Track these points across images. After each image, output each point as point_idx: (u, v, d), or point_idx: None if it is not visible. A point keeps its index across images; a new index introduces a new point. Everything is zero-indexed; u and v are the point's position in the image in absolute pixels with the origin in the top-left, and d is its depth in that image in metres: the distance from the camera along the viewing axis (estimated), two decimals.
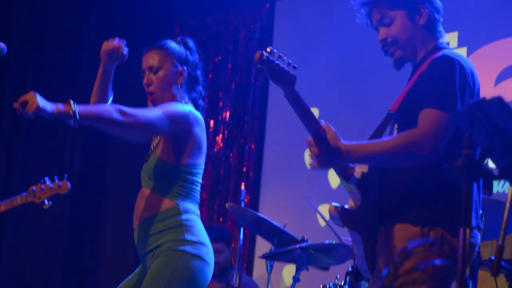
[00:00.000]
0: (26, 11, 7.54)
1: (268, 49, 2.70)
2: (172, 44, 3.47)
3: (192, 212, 3.33)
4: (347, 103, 6.29)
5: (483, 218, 3.45)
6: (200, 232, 3.31)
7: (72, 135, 7.32)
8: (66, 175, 4.26)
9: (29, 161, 7.42)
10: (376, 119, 3.12)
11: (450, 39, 5.63)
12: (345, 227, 2.98)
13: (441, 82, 2.78)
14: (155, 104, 3.41)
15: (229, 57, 7.17)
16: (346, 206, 2.97)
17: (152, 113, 3.22)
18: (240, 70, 7.09)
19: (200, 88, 3.50)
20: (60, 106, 2.97)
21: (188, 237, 3.24)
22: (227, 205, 4.98)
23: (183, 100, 3.43)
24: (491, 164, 2.38)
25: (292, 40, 6.77)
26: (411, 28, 2.96)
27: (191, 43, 3.54)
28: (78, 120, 2.98)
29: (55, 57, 7.51)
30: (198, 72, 3.50)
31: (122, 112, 3.08)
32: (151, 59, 3.42)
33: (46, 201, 4.19)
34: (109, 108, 3.12)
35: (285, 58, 2.74)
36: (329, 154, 2.75)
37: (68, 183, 4.28)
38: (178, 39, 3.53)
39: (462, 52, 5.49)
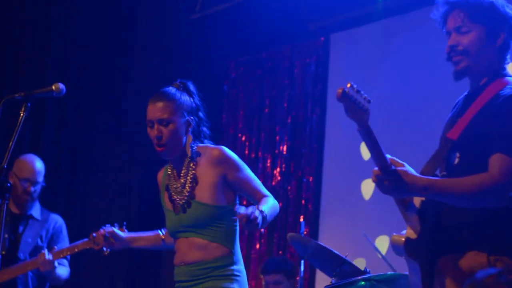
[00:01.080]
0: (83, 54, 7.68)
1: (349, 85, 2.70)
2: (178, 94, 3.51)
3: (241, 261, 3.52)
4: (402, 137, 6.25)
5: None
6: (245, 283, 3.51)
7: (129, 179, 7.43)
8: (125, 223, 4.32)
9: (87, 205, 7.51)
10: (430, 150, 3.12)
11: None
12: (407, 257, 2.97)
13: None
14: (165, 155, 3.51)
15: (285, 91, 7.21)
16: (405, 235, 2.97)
17: (257, 180, 3.57)
18: (296, 104, 7.12)
19: (204, 128, 3.59)
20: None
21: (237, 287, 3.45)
22: (288, 235, 5.01)
23: (192, 147, 3.52)
24: None
25: (347, 73, 6.73)
26: (485, 45, 2.94)
27: (191, 86, 3.60)
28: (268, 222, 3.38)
29: (111, 96, 7.64)
30: (200, 114, 3.58)
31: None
32: (160, 111, 3.46)
33: (104, 248, 4.25)
34: (276, 206, 3.47)
35: (362, 92, 2.75)
36: (402, 187, 2.78)
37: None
38: (178, 83, 3.58)
39: None
